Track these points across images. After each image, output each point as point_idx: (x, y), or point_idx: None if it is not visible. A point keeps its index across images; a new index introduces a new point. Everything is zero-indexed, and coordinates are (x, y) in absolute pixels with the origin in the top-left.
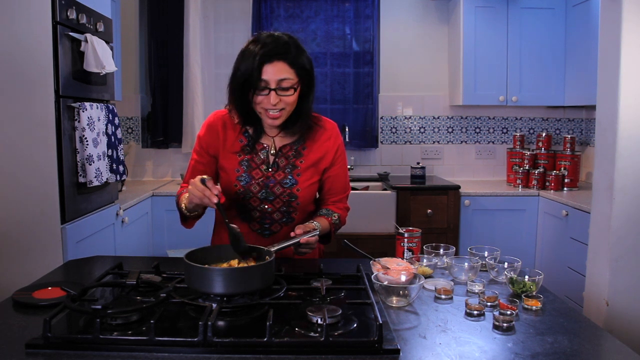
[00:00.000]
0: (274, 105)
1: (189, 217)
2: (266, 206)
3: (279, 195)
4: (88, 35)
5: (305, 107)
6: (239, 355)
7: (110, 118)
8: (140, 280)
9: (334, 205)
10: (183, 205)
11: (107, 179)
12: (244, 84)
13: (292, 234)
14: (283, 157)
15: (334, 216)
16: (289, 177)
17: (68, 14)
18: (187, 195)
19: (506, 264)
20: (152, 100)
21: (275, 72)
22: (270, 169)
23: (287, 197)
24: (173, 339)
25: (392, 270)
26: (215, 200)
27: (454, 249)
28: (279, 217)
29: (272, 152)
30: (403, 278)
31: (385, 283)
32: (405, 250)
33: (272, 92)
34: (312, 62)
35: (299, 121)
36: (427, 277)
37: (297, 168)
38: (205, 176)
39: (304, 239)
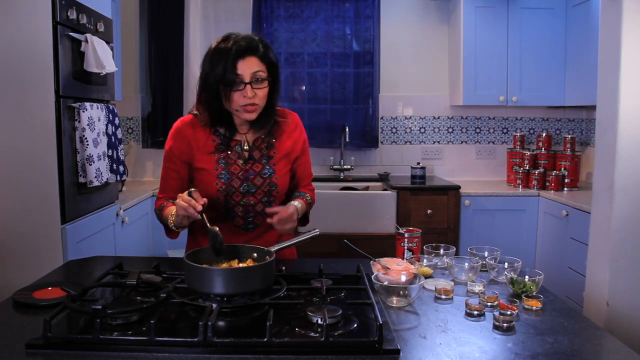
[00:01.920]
0: (250, 99)
1: (171, 231)
2: (249, 199)
3: (260, 186)
4: (88, 36)
5: (273, 102)
6: (239, 355)
7: (111, 118)
8: (141, 280)
9: (305, 188)
10: (170, 222)
11: (107, 179)
12: (217, 84)
13: (268, 210)
14: (257, 150)
15: (307, 196)
16: (267, 167)
17: (68, 14)
18: (172, 209)
19: (506, 264)
20: (152, 100)
21: (249, 66)
22: (247, 163)
23: (267, 187)
24: (173, 339)
25: (392, 270)
26: (199, 208)
27: (454, 249)
28: (260, 208)
29: (245, 147)
30: (403, 278)
31: (385, 283)
32: (405, 250)
33: (248, 86)
34: (277, 59)
35: (267, 116)
36: (427, 277)
37: (272, 158)
38: (192, 189)
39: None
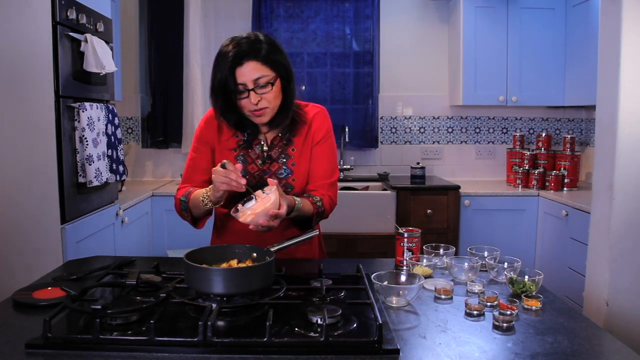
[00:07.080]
0: (255, 105)
1: (199, 219)
2: None
3: None
4: (88, 36)
5: (288, 100)
6: (239, 355)
7: (110, 118)
8: (140, 280)
9: (316, 191)
10: (206, 201)
11: (107, 179)
12: (224, 92)
13: (270, 181)
14: (275, 148)
15: (316, 199)
16: (284, 167)
17: (68, 14)
18: (205, 191)
19: (506, 264)
20: (152, 100)
21: (248, 72)
22: (265, 164)
23: (283, 188)
24: (173, 339)
25: (259, 199)
26: (243, 182)
27: (454, 249)
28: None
29: (265, 148)
30: (403, 278)
31: (385, 283)
32: (405, 250)
33: (252, 93)
34: (287, 56)
35: (283, 114)
36: (427, 277)
37: (291, 157)
38: (225, 161)
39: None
